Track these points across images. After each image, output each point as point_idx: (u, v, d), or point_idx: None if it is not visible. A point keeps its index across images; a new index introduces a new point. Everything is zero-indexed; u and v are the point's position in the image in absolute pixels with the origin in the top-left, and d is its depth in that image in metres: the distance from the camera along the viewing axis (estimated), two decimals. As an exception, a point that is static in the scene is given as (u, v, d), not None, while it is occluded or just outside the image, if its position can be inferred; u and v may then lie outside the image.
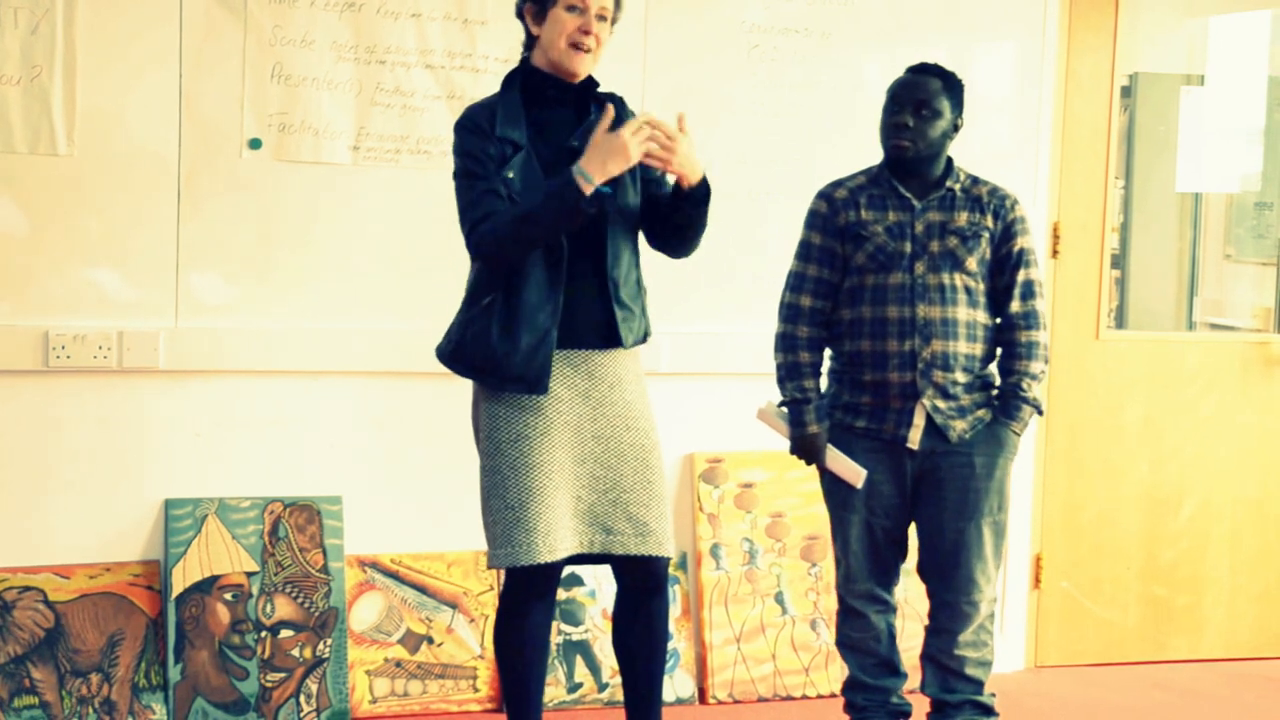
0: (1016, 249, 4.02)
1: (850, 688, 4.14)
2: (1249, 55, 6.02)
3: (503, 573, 3.76)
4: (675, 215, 3.65)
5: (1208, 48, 6.17)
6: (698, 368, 4.78)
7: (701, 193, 3.65)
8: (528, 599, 3.68)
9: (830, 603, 4.48)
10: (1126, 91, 5.58)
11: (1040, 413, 4.08)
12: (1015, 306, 4.02)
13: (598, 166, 3.45)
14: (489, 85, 4.14)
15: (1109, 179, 5.19)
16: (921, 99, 3.93)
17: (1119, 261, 5.79)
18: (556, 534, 3.58)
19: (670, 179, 3.68)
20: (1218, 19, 6.11)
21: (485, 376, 3.61)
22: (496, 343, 3.56)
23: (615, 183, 3.56)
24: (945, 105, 3.96)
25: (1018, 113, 5.07)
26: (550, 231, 3.50)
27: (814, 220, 4.03)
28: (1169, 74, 6.06)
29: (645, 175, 3.70)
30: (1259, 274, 5.82)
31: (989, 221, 3.99)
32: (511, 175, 3.55)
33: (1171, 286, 6.15)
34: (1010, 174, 4.83)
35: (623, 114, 3.67)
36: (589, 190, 3.44)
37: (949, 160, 4.03)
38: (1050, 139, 5.11)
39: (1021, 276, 4.02)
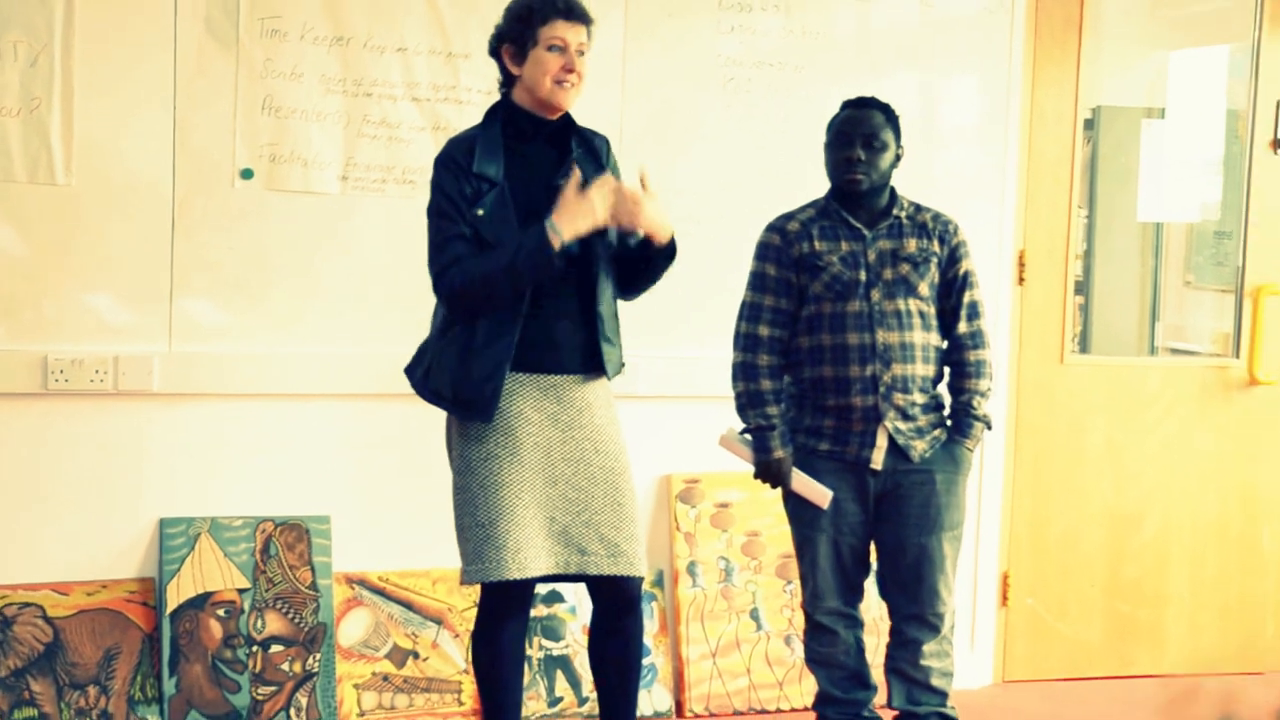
0: (961, 272, 4.06)
1: (821, 702, 4.15)
2: (1208, 88, 6.02)
3: (479, 589, 3.78)
4: (640, 266, 3.69)
5: (1167, 81, 6.17)
6: (674, 391, 4.79)
7: (671, 250, 3.69)
8: (501, 615, 3.70)
9: (802, 619, 4.51)
10: (1089, 124, 5.63)
11: (989, 428, 4.11)
12: (962, 327, 4.06)
13: (568, 223, 3.49)
14: (472, 116, 4.16)
15: (1072, 208, 5.21)
16: (868, 133, 3.96)
17: (1082, 288, 5.79)
18: (527, 552, 3.59)
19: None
20: (1177, 54, 6.12)
21: (444, 403, 3.65)
22: (456, 372, 3.60)
23: (577, 246, 3.58)
24: (890, 137, 3.99)
25: (984, 144, 5.09)
26: (519, 283, 3.53)
27: (767, 252, 4.05)
28: (1130, 107, 6.08)
29: None
30: (1218, 300, 5.81)
31: (936, 247, 4.03)
32: (482, 213, 3.57)
33: (1134, 312, 6.15)
34: (977, 203, 4.99)
35: (600, 154, 3.72)
36: (558, 244, 3.47)
37: (893, 190, 4.06)
38: (1016, 169, 5.13)
39: (967, 298, 4.06)
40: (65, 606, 4.28)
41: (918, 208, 4.07)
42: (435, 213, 3.63)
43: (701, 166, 4.81)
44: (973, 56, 5.06)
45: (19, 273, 4.28)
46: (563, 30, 3.58)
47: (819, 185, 4.12)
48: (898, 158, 4.03)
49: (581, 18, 3.64)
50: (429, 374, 3.66)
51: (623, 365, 3.78)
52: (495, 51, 3.68)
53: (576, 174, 3.53)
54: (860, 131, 3.96)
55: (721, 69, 4.82)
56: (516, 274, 3.52)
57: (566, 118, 3.69)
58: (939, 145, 4.99)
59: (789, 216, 4.07)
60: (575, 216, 3.50)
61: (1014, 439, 5.20)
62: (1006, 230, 5.12)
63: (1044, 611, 5.27)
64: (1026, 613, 5.26)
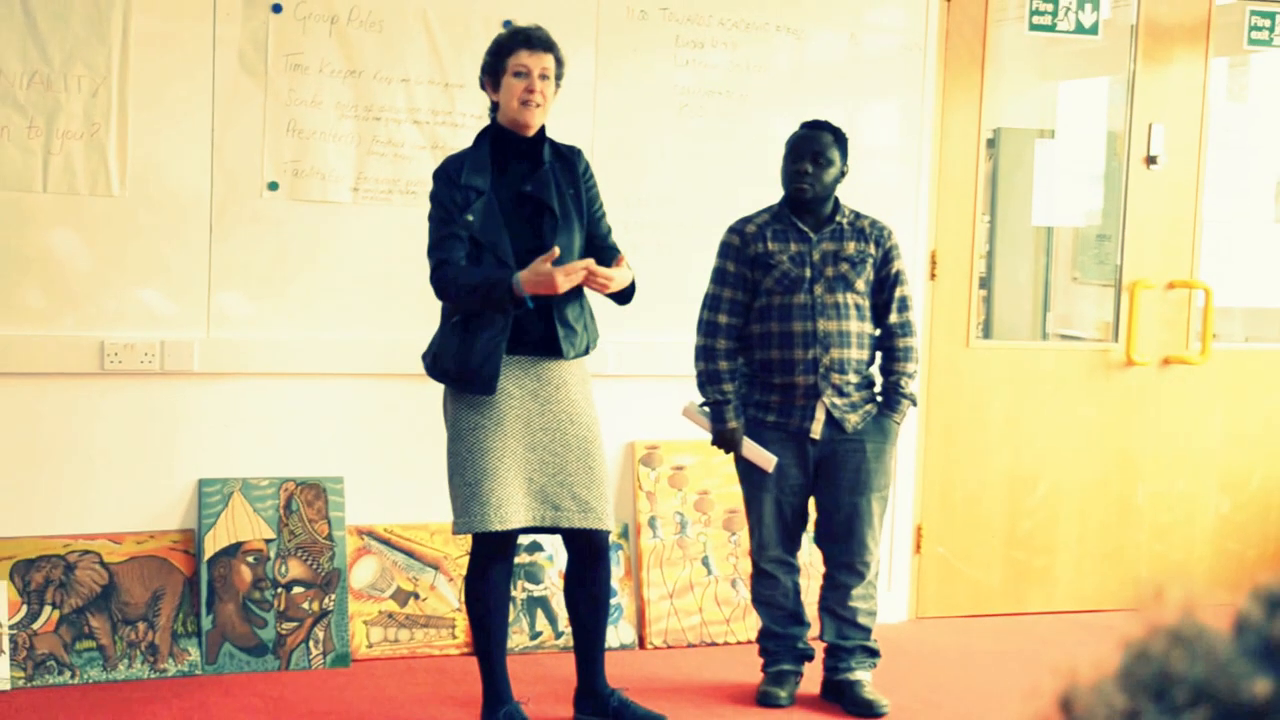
0: (894, 271, 4.12)
1: (763, 636, 4.26)
2: (1091, 113, 6.03)
3: (470, 539, 3.86)
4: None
5: (1057, 107, 6.19)
6: (639, 370, 4.84)
7: (630, 291, 3.83)
8: (488, 561, 3.79)
9: (747, 565, 4.49)
10: (991, 143, 5.61)
11: (914, 404, 4.19)
12: (893, 318, 4.11)
13: (531, 286, 3.59)
14: (465, 137, 4.21)
15: (976, 214, 5.28)
16: (817, 150, 4.03)
17: (985, 282, 5.80)
18: (508, 507, 3.65)
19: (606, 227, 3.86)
20: (1065, 83, 6.15)
21: (451, 381, 3.75)
22: (459, 353, 3.69)
23: (555, 230, 3.70)
24: (836, 155, 4.05)
25: (902, 159, 5.12)
26: (485, 308, 3.65)
27: (727, 251, 4.11)
28: (1026, 129, 6.13)
29: (591, 215, 3.85)
30: (1100, 294, 5.81)
31: (871, 249, 4.07)
32: (471, 218, 3.67)
33: (1029, 303, 6.17)
34: (896, 210, 4.98)
35: (574, 164, 3.82)
36: (519, 295, 3.58)
37: (836, 200, 4.13)
38: (929, 181, 5.17)
39: (898, 293, 4.12)
40: (119, 554, 4.34)
41: (857, 215, 4.12)
42: (433, 217, 3.77)
43: (662, 180, 4.84)
44: (891, 84, 5.10)
45: (81, 271, 4.33)
46: (525, 58, 3.70)
47: (761, 194, 4.21)
48: (842, 173, 4.07)
49: (543, 45, 3.73)
50: (437, 358, 3.78)
51: (589, 348, 3.83)
52: (482, 83, 3.84)
53: (555, 251, 3.58)
54: (810, 149, 4.02)
55: (678, 97, 4.85)
56: (475, 304, 3.66)
57: (542, 134, 3.79)
58: (864, 161, 4.92)
59: (747, 220, 4.11)
60: (540, 283, 3.57)
61: (927, 412, 5.25)
62: (921, 233, 5.15)
63: (952, 558, 5.35)
64: (937, 559, 5.32)
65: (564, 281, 3.58)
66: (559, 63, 3.79)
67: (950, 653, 4.96)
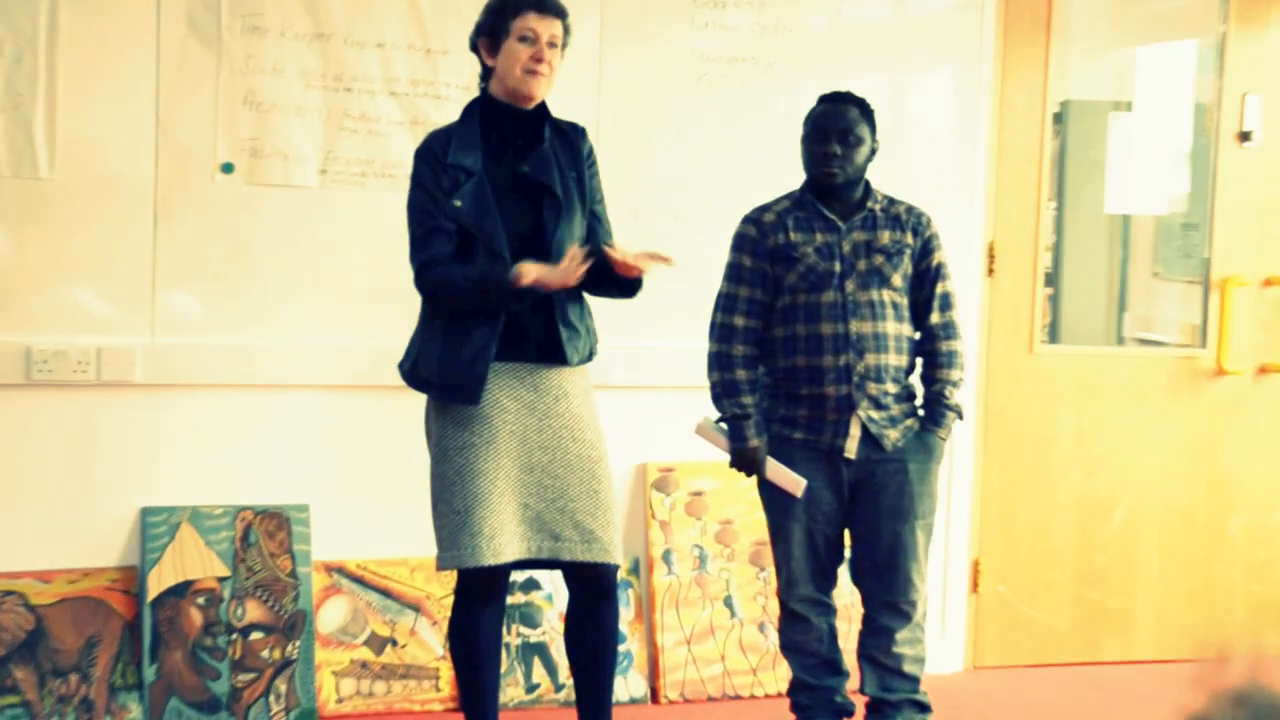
0: (934, 263, 4.09)
1: (795, 688, 4.19)
2: (1175, 82, 6.01)
3: (457, 576, 3.81)
4: (603, 281, 3.76)
5: (1135, 75, 6.17)
6: (650, 381, 4.83)
7: (638, 286, 3.79)
8: (477, 601, 3.76)
9: (776, 606, 4.37)
10: (1058, 118, 5.60)
11: (961, 418, 4.13)
12: (935, 318, 4.09)
13: (535, 276, 3.57)
14: (450, 111, 4.22)
15: (1041, 201, 5.27)
16: (844, 127, 3.98)
17: (1052, 279, 5.77)
18: (502, 538, 3.64)
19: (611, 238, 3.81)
20: (1145, 48, 6.14)
21: (432, 390, 3.71)
22: (441, 358, 3.66)
23: (556, 217, 3.67)
24: (865, 131, 4.01)
25: (955, 138, 5.12)
26: (483, 309, 3.63)
27: (743, 243, 4.07)
28: (1098, 101, 6.08)
29: (592, 204, 3.84)
30: (1186, 292, 5.82)
31: (909, 239, 4.04)
32: (459, 203, 3.64)
33: (1102, 303, 6.14)
34: (948, 196, 5.03)
35: (576, 144, 3.80)
36: (521, 285, 3.56)
37: (867, 183, 4.08)
38: (986, 163, 5.17)
39: (939, 289, 4.09)
40: (47, 594, 4.30)
41: (891, 200, 4.08)
42: (415, 205, 3.72)
43: (677, 162, 4.84)
44: (943, 52, 5.11)
45: (3, 265, 4.29)
46: (534, 22, 3.67)
47: (793, 179, 4.13)
48: (873, 152, 4.04)
49: (554, 11, 3.71)
50: (416, 363, 3.72)
51: (592, 353, 3.82)
52: (475, 45, 3.78)
53: (574, 260, 3.58)
54: (836, 126, 3.98)
55: (696, 65, 4.86)
56: (482, 301, 3.63)
57: (542, 108, 3.76)
58: (910, 140, 5.02)
59: (765, 208, 4.08)
60: (548, 279, 3.58)
61: (984, 428, 5.24)
62: (977, 223, 5.16)
63: (1014, 598, 5.32)
64: (997, 599, 5.30)
65: (574, 276, 3.62)
66: (567, 30, 3.77)
67: (1012, 708, 4.98)
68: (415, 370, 3.76)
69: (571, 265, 3.58)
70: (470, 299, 3.66)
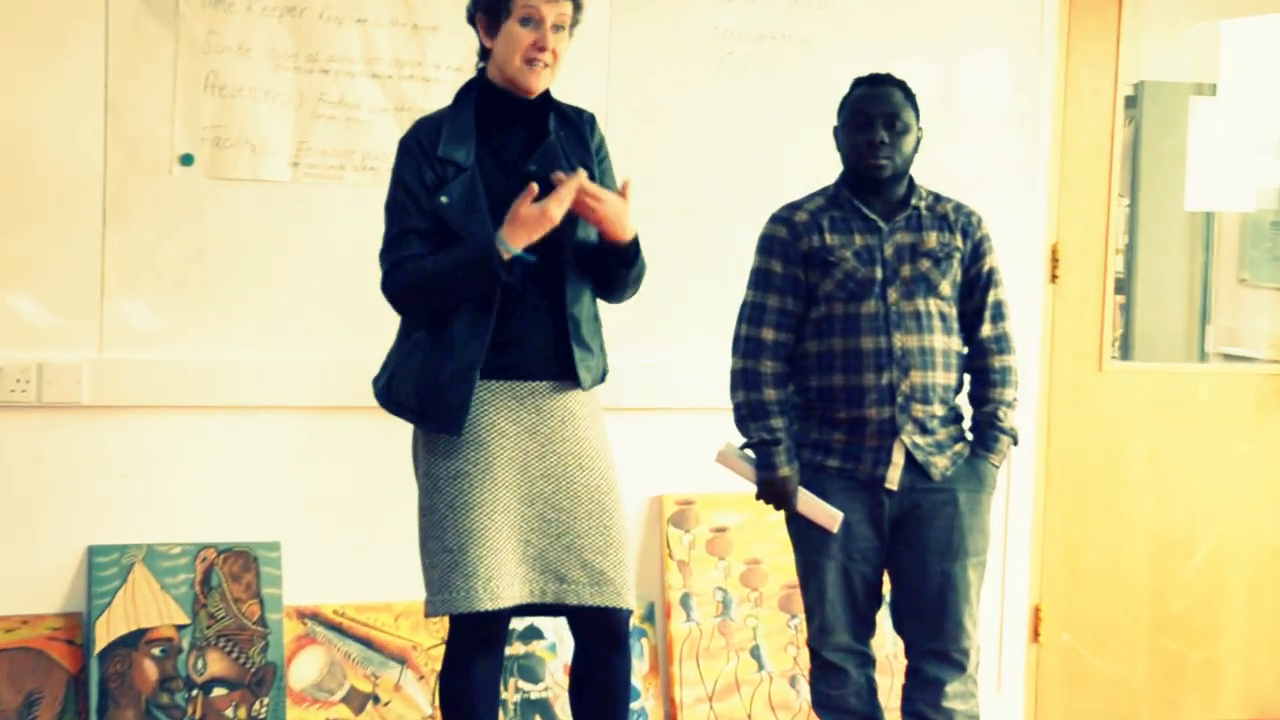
0: (986, 269, 4.06)
1: None
2: (1265, 62, 6.01)
3: (448, 624, 3.76)
4: (598, 266, 3.72)
5: (1219, 54, 6.17)
6: (666, 402, 4.81)
7: (631, 253, 3.70)
8: (472, 651, 3.69)
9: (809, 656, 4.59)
10: (1131, 102, 5.65)
11: (1016, 442, 4.10)
12: (986, 330, 4.06)
13: (521, 236, 3.52)
14: (440, 97, 4.21)
15: (1112, 197, 5.23)
16: (890, 112, 3.95)
17: (1124, 286, 5.80)
18: (500, 580, 3.58)
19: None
20: (1230, 23, 6.13)
21: (407, 414, 3.66)
22: (420, 378, 3.61)
23: (541, 247, 3.59)
24: (911, 118, 3.99)
25: (1013, 127, 5.11)
26: (456, 296, 3.58)
27: (772, 246, 4.03)
28: (1177, 83, 6.09)
29: None
30: (1276, 300, 5.90)
31: (958, 241, 4.03)
32: (445, 200, 3.59)
33: (1181, 313, 6.13)
34: (1004, 193, 5.03)
35: (584, 134, 3.75)
36: (507, 256, 3.50)
37: (911, 178, 4.06)
38: (1049, 154, 5.15)
39: (992, 298, 4.06)
40: None
41: (937, 197, 4.05)
42: (392, 203, 3.67)
43: (694, 154, 4.82)
44: (1000, 28, 5.09)
45: None
46: (539, 1, 3.59)
47: (827, 174, 4.10)
48: (918, 141, 4.00)
49: None
50: (391, 382, 3.67)
51: (605, 374, 3.77)
52: (472, 19, 3.70)
53: (533, 188, 3.54)
54: (881, 111, 3.94)
55: (718, 43, 4.84)
56: (455, 285, 3.56)
57: (546, 95, 3.69)
58: (962, 129, 5.00)
59: (796, 206, 4.03)
60: (526, 227, 3.53)
61: (1046, 455, 5.20)
62: (1037, 223, 5.14)
63: (1080, 648, 5.29)
64: (1061, 650, 5.26)
65: (557, 209, 3.54)
66: (578, 8, 3.70)
67: (1079, 774, 4.97)
68: (390, 390, 3.70)
69: (552, 202, 3.54)
70: (448, 284, 3.59)
